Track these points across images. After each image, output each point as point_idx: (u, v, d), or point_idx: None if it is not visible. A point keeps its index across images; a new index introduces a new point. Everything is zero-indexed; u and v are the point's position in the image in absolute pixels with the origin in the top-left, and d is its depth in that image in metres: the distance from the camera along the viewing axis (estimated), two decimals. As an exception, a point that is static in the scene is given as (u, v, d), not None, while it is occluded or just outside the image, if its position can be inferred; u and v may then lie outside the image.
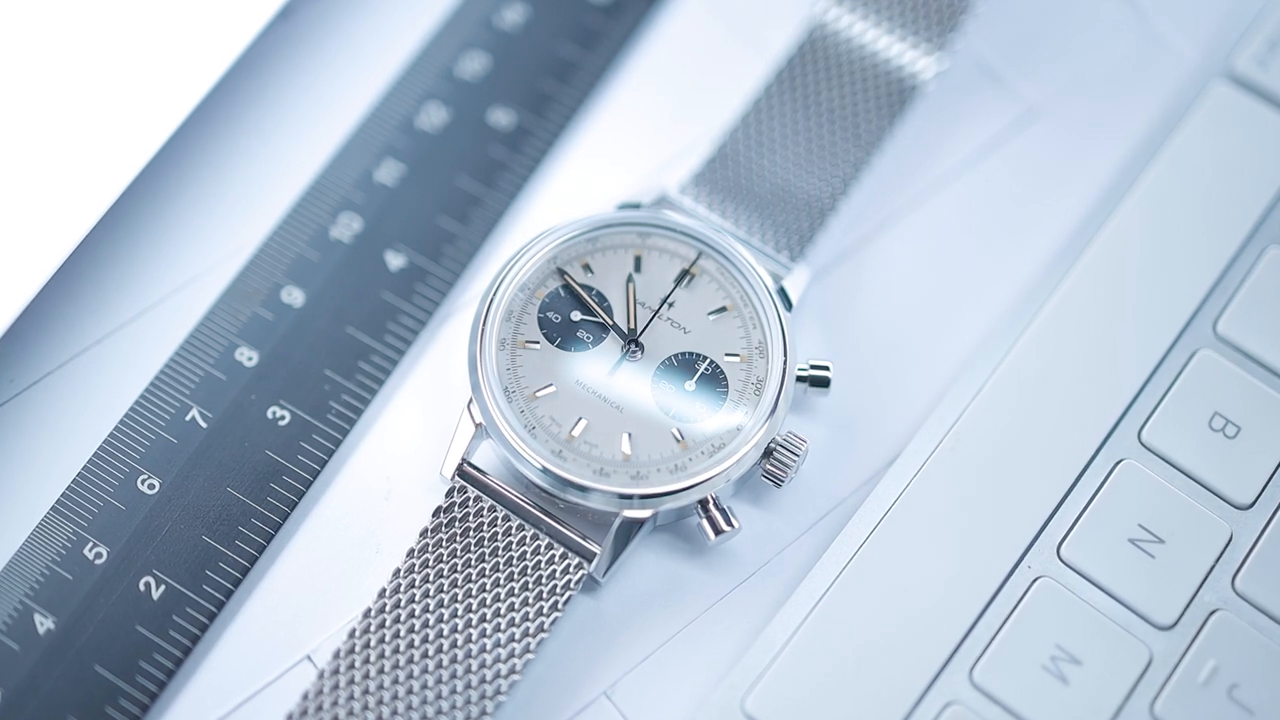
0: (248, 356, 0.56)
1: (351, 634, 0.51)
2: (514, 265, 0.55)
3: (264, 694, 0.52)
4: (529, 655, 0.51)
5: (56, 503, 0.53)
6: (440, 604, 0.51)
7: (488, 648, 0.51)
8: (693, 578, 0.54)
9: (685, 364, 0.54)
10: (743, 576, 0.54)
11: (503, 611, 0.51)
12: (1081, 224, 0.58)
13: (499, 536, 0.52)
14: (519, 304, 0.54)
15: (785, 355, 0.53)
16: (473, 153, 0.59)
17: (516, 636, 0.51)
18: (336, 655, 0.51)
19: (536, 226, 0.58)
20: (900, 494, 0.53)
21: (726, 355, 0.54)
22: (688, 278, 0.55)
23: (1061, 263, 0.57)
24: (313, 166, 0.59)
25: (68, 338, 0.56)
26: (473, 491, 0.53)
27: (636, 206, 0.57)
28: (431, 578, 0.52)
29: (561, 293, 0.55)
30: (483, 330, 0.54)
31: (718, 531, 0.52)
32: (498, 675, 0.51)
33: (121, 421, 0.55)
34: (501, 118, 0.60)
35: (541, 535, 0.52)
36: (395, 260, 0.58)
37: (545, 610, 0.51)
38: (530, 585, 0.52)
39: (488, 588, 0.52)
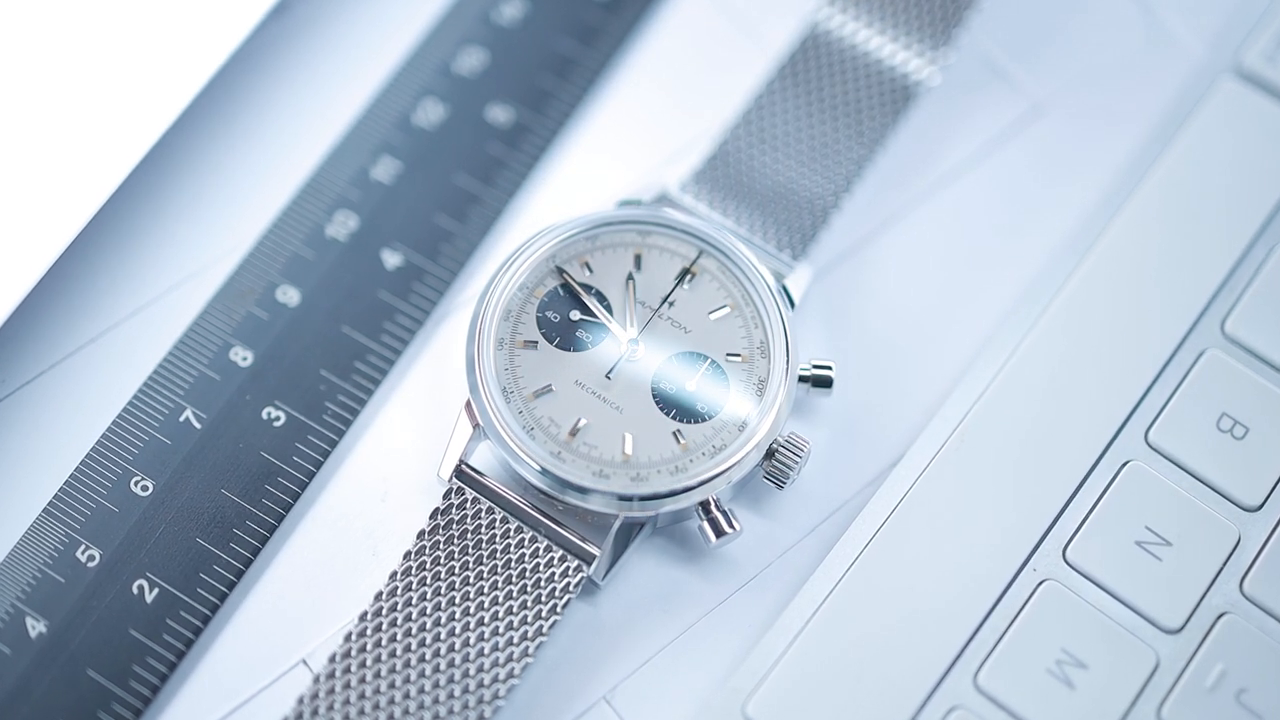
0: (242, 356, 0.56)
1: (347, 638, 0.51)
2: (512, 264, 0.55)
3: (259, 698, 0.52)
4: (527, 659, 0.51)
5: (48, 505, 0.53)
6: (437, 607, 0.51)
7: (485, 652, 0.51)
8: (693, 581, 0.54)
9: (686, 364, 0.54)
10: (744, 580, 0.54)
11: (501, 615, 0.51)
12: (1088, 222, 0.58)
13: (497, 539, 0.52)
14: (517, 303, 0.54)
15: (787, 355, 0.53)
16: (470, 150, 0.59)
17: (515, 640, 0.51)
18: (332, 659, 0.51)
19: (535, 225, 0.58)
20: (904, 496, 0.53)
21: (728, 355, 0.54)
22: (688, 276, 0.55)
23: (1067, 261, 0.57)
24: (308, 164, 0.59)
25: (60, 338, 0.56)
26: (470, 493, 0.53)
27: (637, 204, 0.57)
28: (429, 581, 0.52)
29: (560, 292, 0.55)
30: (480, 330, 0.53)
31: (719, 534, 0.52)
32: (496, 680, 0.51)
33: (114, 422, 0.55)
34: (500, 114, 0.60)
35: (540, 537, 0.52)
36: (392, 259, 0.58)
37: (544, 614, 0.51)
38: (529, 588, 0.52)
39: (486, 591, 0.52)
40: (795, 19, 0.62)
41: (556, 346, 0.54)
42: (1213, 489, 0.53)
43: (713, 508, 0.52)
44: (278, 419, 0.55)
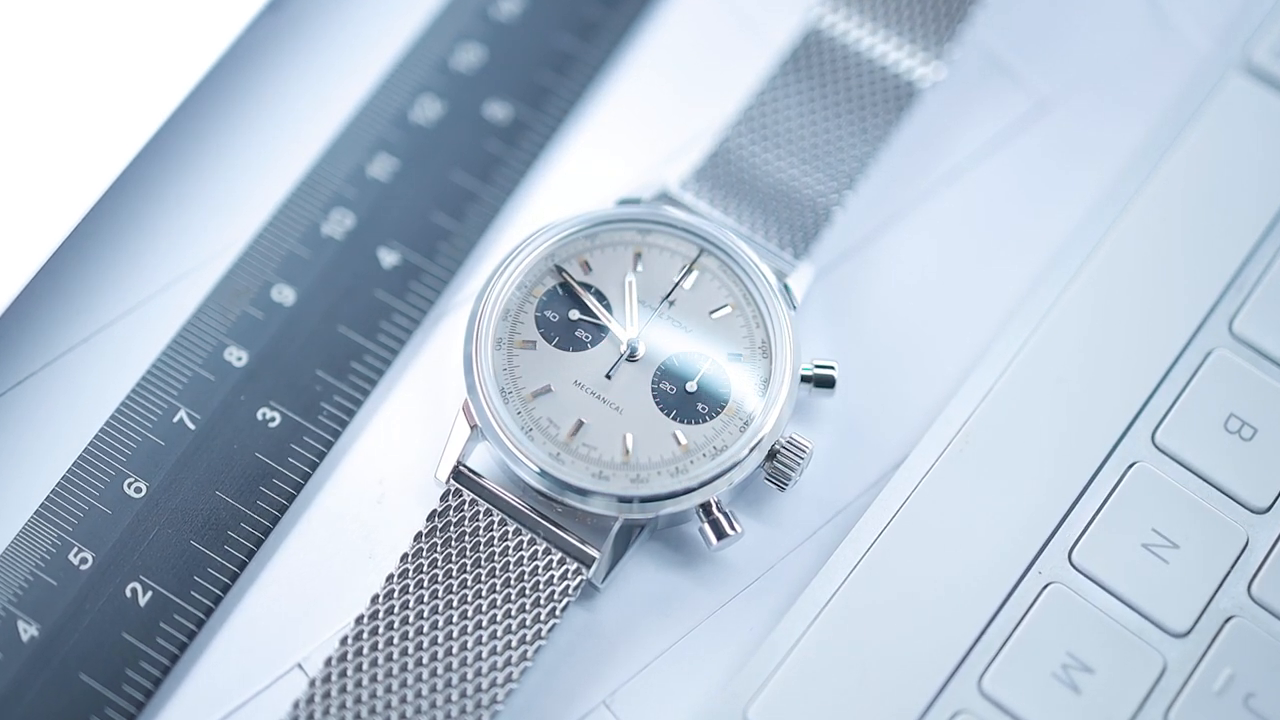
0: (237, 356, 0.56)
1: (344, 641, 0.51)
2: (510, 263, 0.54)
3: (254, 703, 0.52)
4: (526, 664, 0.51)
5: (40, 506, 0.53)
6: (435, 610, 0.51)
7: (484, 656, 0.51)
8: (694, 585, 0.54)
9: (686, 364, 0.54)
10: (745, 583, 0.54)
11: (499, 618, 0.51)
12: (1094, 220, 0.58)
13: (495, 541, 0.52)
14: (516, 303, 0.54)
15: (789, 355, 0.53)
16: (468, 147, 0.59)
17: (513, 644, 0.51)
18: (328, 663, 0.51)
19: (534, 223, 0.58)
20: (907, 498, 0.53)
21: (729, 355, 0.54)
22: (689, 275, 0.54)
23: (1073, 260, 0.57)
24: (304, 161, 0.59)
25: (52, 337, 0.56)
26: (468, 495, 0.53)
27: (636, 202, 0.57)
28: (426, 583, 0.51)
29: (559, 291, 0.54)
30: (478, 329, 0.53)
31: (720, 536, 0.52)
32: (494, 684, 0.50)
33: (107, 423, 0.54)
34: (498, 111, 0.60)
35: (539, 540, 0.52)
36: (388, 257, 0.57)
37: (543, 617, 0.51)
38: (527, 591, 0.52)
39: (484, 594, 0.51)
40: (797, 13, 0.62)
41: (555, 346, 0.54)
42: (1221, 490, 0.53)
43: (714, 509, 0.52)
44: (273, 420, 0.55)
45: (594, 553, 0.52)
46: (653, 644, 0.53)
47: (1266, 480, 0.53)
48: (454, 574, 0.52)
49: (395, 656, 0.50)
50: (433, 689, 0.50)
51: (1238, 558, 0.52)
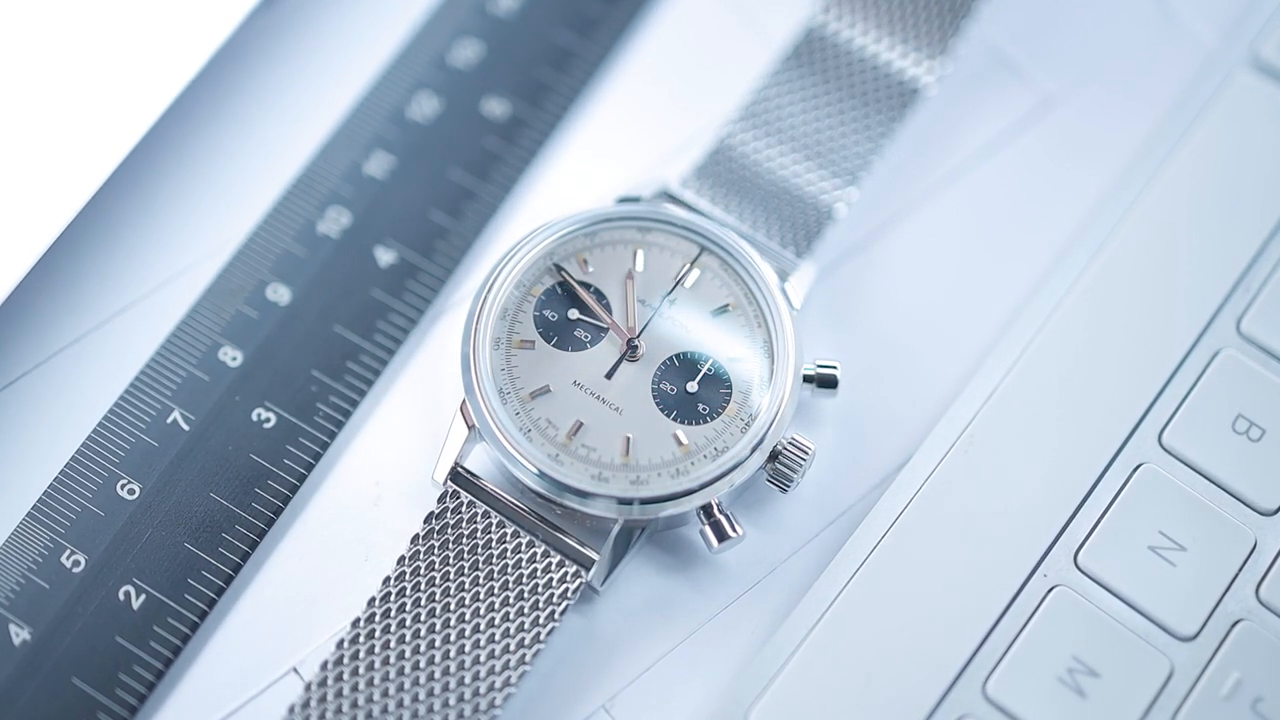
0: (232, 356, 0.56)
1: (340, 645, 0.51)
2: (509, 261, 0.54)
3: (249, 707, 0.52)
4: (524, 667, 0.51)
5: (32, 508, 0.53)
6: (432, 614, 0.51)
7: (482, 659, 0.51)
8: (694, 587, 0.54)
9: (687, 364, 0.53)
10: (746, 586, 0.54)
11: (498, 621, 0.51)
12: (1100, 218, 0.58)
13: (493, 543, 0.52)
14: (514, 302, 0.54)
15: (791, 355, 0.53)
16: (466, 144, 0.59)
17: (512, 648, 0.51)
18: (324, 667, 0.51)
19: (532, 221, 0.58)
20: (911, 500, 0.53)
21: (730, 355, 0.54)
22: (690, 274, 0.54)
23: (1079, 259, 0.57)
24: (299, 159, 0.59)
25: (44, 336, 0.56)
26: (466, 496, 0.53)
27: (636, 200, 0.57)
28: (423, 586, 0.51)
29: (558, 290, 0.54)
30: (476, 329, 0.53)
31: (721, 538, 0.52)
32: (492, 688, 0.50)
33: (100, 424, 0.54)
34: (496, 108, 0.60)
35: (538, 542, 0.52)
36: (385, 256, 0.57)
37: (542, 620, 0.51)
38: (526, 594, 0.51)
39: (482, 597, 0.51)
40: (799, 9, 0.61)
41: (554, 346, 0.54)
42: (1228, 492, 0.53)
43: (715, 511, 0.52)
44: (268, 420, 0.55)
45: (593, 555, 0.52)
46: (653, 648, 0.53)
47: (1275, 482, 0.53)
48: (451, 576, 0.51)
49: (392, 661, 0.50)
50: (430, 693, 0.50)
51: (1245, 560, 0.52)
